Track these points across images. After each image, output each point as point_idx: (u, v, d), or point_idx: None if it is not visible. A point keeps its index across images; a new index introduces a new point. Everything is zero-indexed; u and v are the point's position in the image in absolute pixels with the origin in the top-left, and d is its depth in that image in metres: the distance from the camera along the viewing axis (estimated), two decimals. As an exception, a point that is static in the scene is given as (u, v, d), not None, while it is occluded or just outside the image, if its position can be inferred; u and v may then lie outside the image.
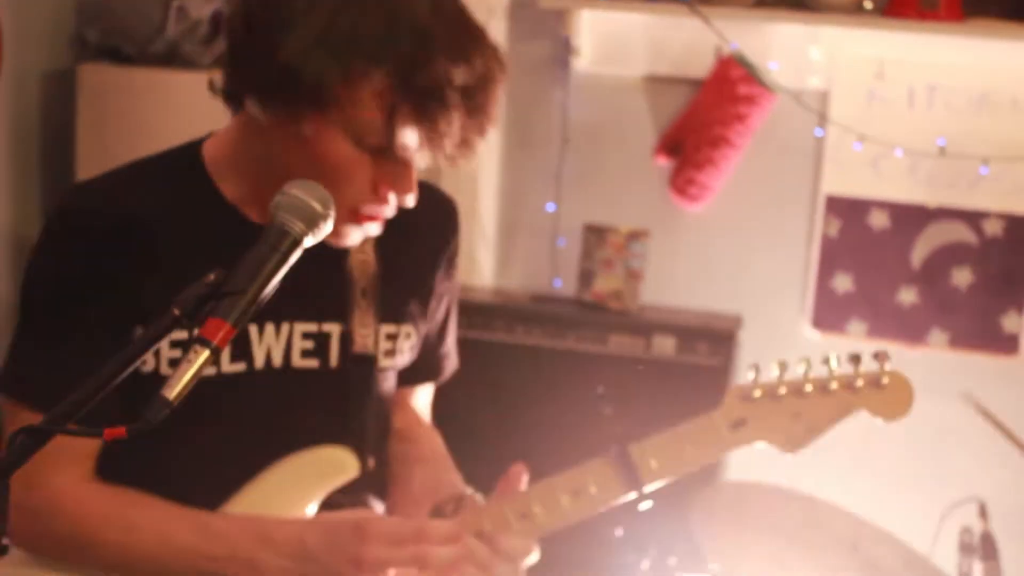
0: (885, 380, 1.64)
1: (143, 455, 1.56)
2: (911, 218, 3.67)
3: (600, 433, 1.73)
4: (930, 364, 3.61)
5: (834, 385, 1.61)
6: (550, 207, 3.82)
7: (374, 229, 1.56)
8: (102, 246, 1.50)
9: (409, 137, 1.44)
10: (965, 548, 2.86)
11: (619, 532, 2.55)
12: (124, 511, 1.56)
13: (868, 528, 2.66)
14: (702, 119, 3.66)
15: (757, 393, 1.59)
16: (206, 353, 1.21)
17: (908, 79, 3.60)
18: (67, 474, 1.55)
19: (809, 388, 1.60)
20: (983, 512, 2.91)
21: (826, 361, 1.60)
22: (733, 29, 3.59)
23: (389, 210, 1.53)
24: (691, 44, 3.71)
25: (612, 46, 3.79)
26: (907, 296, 3.66)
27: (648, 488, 1.59)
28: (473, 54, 1.43)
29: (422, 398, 1.90)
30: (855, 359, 1.62)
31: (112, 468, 1.59)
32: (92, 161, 3.19)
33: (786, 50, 3.65)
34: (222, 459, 1.59)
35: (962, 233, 3.65)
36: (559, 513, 1.59)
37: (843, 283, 3.73)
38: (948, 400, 3.66)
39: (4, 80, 2.76)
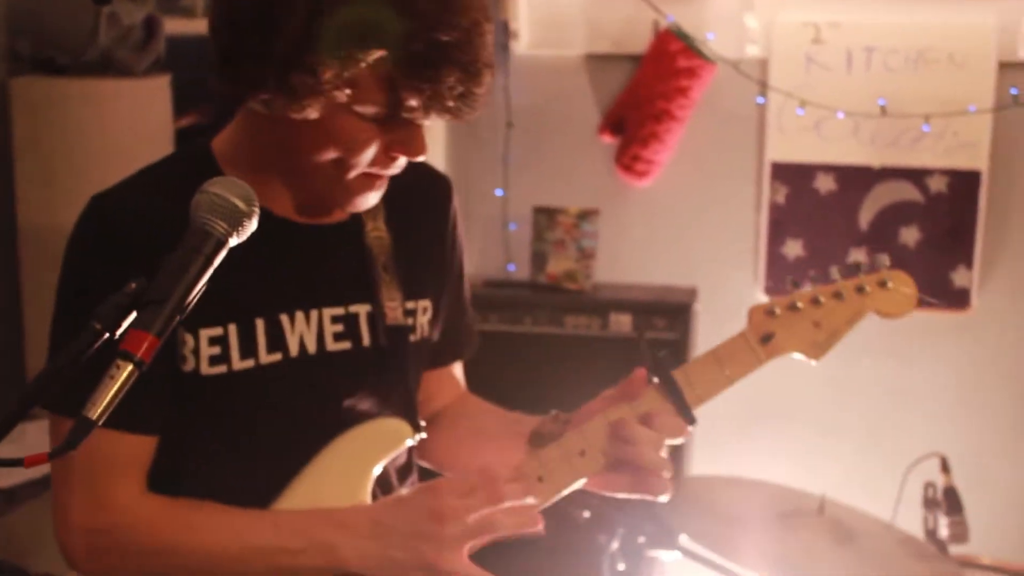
0: (888, 281, 1.68)
1: (192, 458, 1.54)
2: (857, 180, 3.61)
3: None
4: (883, 323, 3.55)
5: (844, 291, 1.66)
6: (498, 192, 3.74)
7: (377, 196, 1.54)
8: (126, 253, 1.46)
9: (412, 102, 1.41)
10: (929, 503, 2.83)
11: (586, 514, 2.49)
12: (196, 518, 1.51)
13: (831, 502, 2.63)
14: (644, 94, 3.59)
15: (777, 309, 1.65)
16: (129, 367, 1.12)
17: (845, 42, 3.54)
18: (128, 489, 1.50)
19: (822, 298, 1.66)
20: (945, 467, 2.88)
21: (831, 273, 1.68)
22: (669, 3, 3.53)
23: (400, 167, 1.51)
24: (628, 20, 3.64)
25: (550, 27, 3.70)
26: (857, 257, 3.60)
27: (695, 411, 1.61)
28: (457, 9, 1.40)
29: (459, 375, 1.88)
30: (856, 266, 1.68)
31: (162, 477, 1.54)
32: (32, 174, 3.09)
33: (722, 20, 3.58)
34: (272, 449, 1.56)
35: (908, 192, 3.60)
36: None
37: (793, 248, 3.67)
38: (904, 358, 3.63)
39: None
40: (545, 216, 3.57)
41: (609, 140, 3.70)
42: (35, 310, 3.13)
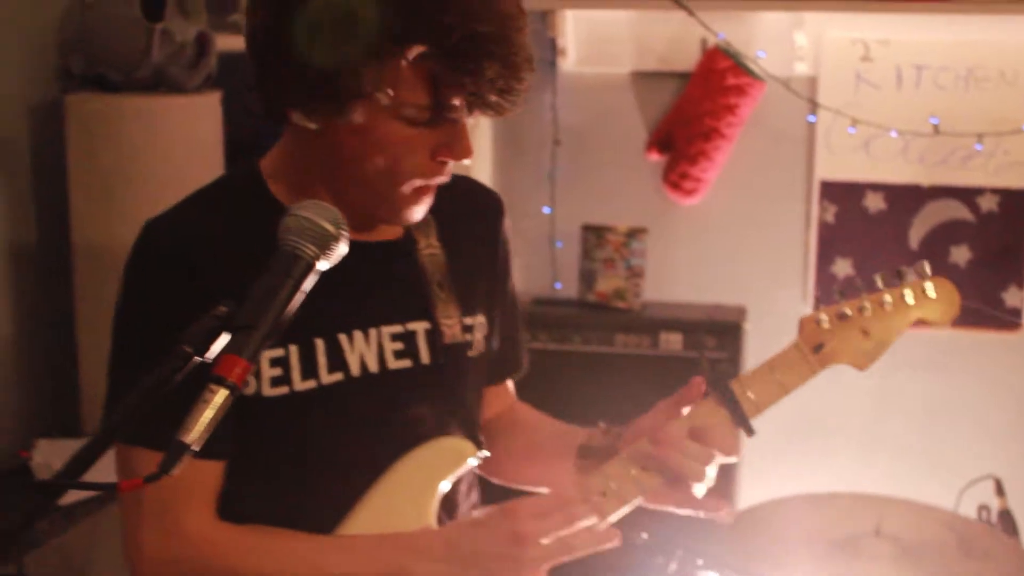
0: (931, 290, 1.70)
1: (255, 482, 1.52)
2: (906, 198, 3.58)
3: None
4: (935, 343, 3.53)
5: (890, 300, 1.67)
6: (546, 210, 3.73)
7: (425, 208, 1.53)
8: (183, 276, 1.46)
9: (454, 99, 1.40)
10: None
11: (644, 536, 2.46)
12: (266, 546, 1.50)
13: (889, 504, 2.60)
14: (692, 112, 3.57)
15: (824, 318, 1.66)
16: (224, 393, 1.11)
17: (895, 60, 3.51)
18: (199, 516, 1.49)
19: (869, 307, 1.67)
20: (1000, 489, 2.84)
21: (875, 283, 1.68)
22: (718, 20, 3.50)
23: (448, 175, 1.51)
24: (676, 38, 3.62)
25: (597, 45, 3.69)
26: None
27: (752, 421, 1.62)
28: (493, 3, 1.40)
29: (510, 387, 1.88)
30: (900, 275, 1.69)
31: (224, 502, 1.52)
32: (85, 189, 3.10)
33: (772, 38, 3.56)
34: (335, 469, 1.54)
35: (958, 211, 3.57)
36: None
37: (843, 267, 3.64)
38: (957, 378, 3.59)
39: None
40: (594, 234, 3.56)
41: (656, 158, 3.68)
42: (88, 324, 3.14)
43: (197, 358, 1.14)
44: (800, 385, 1.64)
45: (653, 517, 1.68)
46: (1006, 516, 2.83)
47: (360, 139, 1.43)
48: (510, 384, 1.87)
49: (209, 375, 1.12)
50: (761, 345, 3.54)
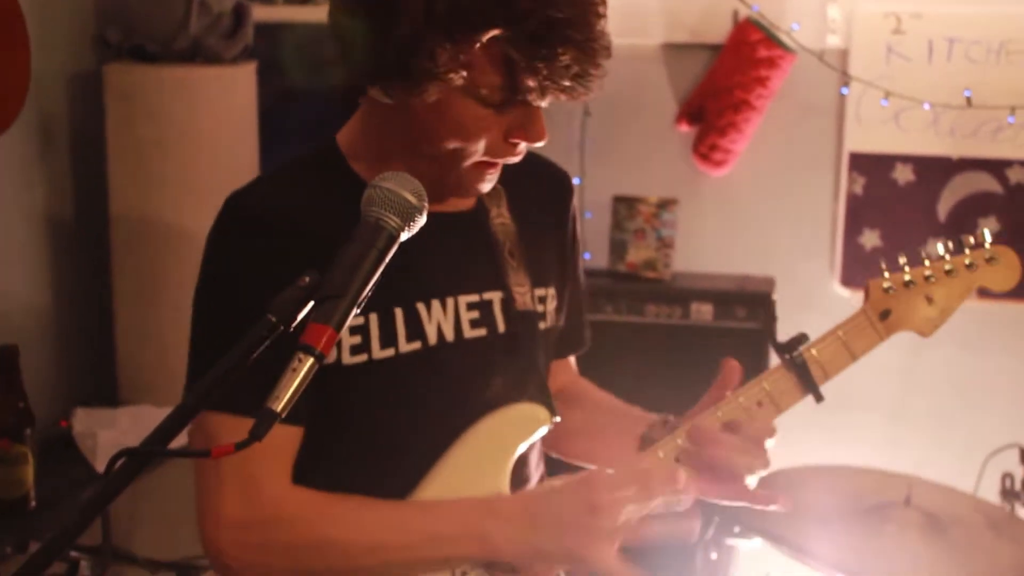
0: (995, 257, 1.72)
1: (331, 449, 1.53)
2: (935, 170, 3.58)
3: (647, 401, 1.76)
4: (963, 315, 3.52)
5: (954, 267, 1.69)
6: (576, 181, 3.73)
7: (492, 182, 1.54)
8: (266, 247, 1.46)
9: (529, 83, 1.39)
10: (1007, 493, 2.80)
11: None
12: (348, 509, 1.50)
13: (917, 481, 2.62)
14: (722, 84, 3.56)
15: (889, 284, 1.67)
16: (311, 361, 1.12)
17: (927, 33, 3.50)
18: (279, 481, 1.49)
19: (935, 274, 1.68)
20: (1024, 457, 2.85)
21: (937, 249, 1.71)
22: (748, -7, 3.49)
23: (520, 154, 1.50)
24: (708, 10, 3.61)
25: (628, 16, 3.68)
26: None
27: (821, 388, 1.63)
28: None
29: (572, 362, 1.88)
30: (961, 243, 1.71)
31: (299, 469, 1.52)
32: (123, 159, 3.11)
33: (804, 10, 3.55)
34: (411, 437, 1.55)
35: (987, 183, 3.56)
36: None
37: (871, 239, 3.64)
38: (985, 349, 3.60)
39: (32, 83, 2.66)
40: (625, 205, 3.56)
41: (686, 129, 3.68)
42: (124, 294, 3.15)
43: (283, 327, 1.15)
44: (867, 351, 1.65)
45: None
46: (1029, 484, 2.84)
47: (435, 116, 1.43)
48: (572, 360, 1.88)
49: (297, 344, 1.13)
50: (789, 315, 3.54)
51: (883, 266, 1.69)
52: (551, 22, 1.35)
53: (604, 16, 1.42)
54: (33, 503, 2.46)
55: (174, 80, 3.08)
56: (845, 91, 3.55)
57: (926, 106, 3.46)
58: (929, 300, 1.68)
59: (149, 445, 1.13)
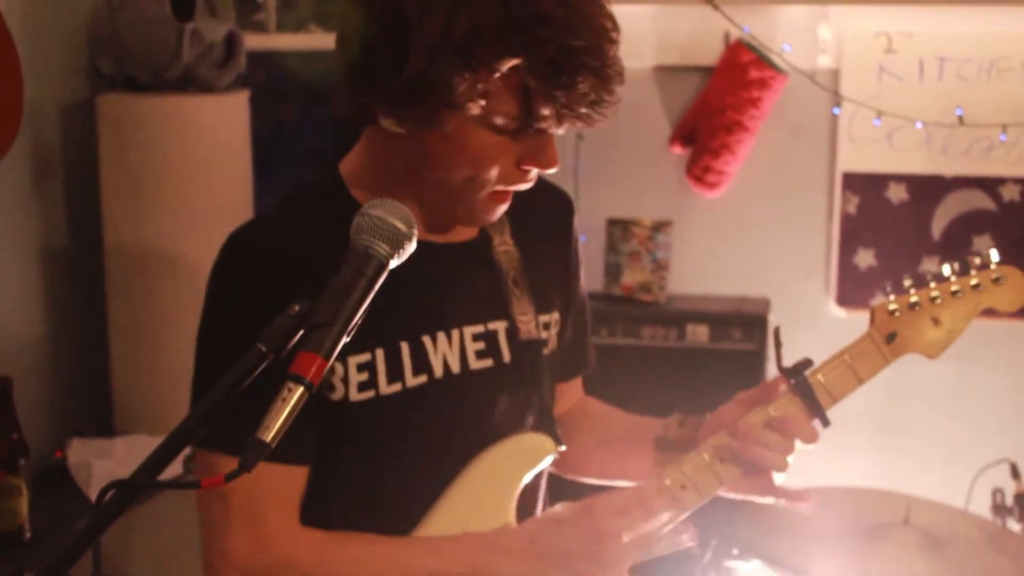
0: (1000, 277, 1.70)
1: (337, 486, 1.51)
2: (929, 189, 3.58)
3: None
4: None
5: (960, 289, 1.67)
6: (570, 203, 3.73)
7: (502, 210, 1.52)
8: (269, 285, 1.43)
9: (545, 111, 1.38)
10: (998, 509, 2.79)
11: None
12: (354, 550, 1.49)
13: (915, 501, 2.61)
14: (715, 106, 3.57)
15: (894, 307, 1.65)
16: (300, 390, 1.11)
17: (918, 52, 3.51)
18: (287, 523, 1.48)
19: (941, 296, 1.66)
20: (1015, 473, 2.84)
21: (943, 271, 1.69)
22: (740, 14, 3.50)
23: (531, 181, 1.49)
24: (699, 32, 3.62)
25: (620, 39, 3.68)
26: (930, 267, 3.57)
27: (827, 412, 1.63)
28: (588, 15, 1.37)
29: (578, 384, 1.87)
30: (967, 264, 1.69)
31: (306, 508, 1.51)
32: (117, 189, 3.11)
33: (795, 31, 3.55)
34: (418, 470, 1.54)
35: (981, 200, 3.56)
36: None
37: (865, 258, 3.64)
38: (970, 364, 3.59)
39: (26, 114, 2.66)
40: (619, 228, 3.56)
41: (680, 151, 3.68)
42: (120, 323, 3.15)
43: (273, 356, 1.14)
44: (873, 375, 1.64)
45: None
46: (1021, 499, 2.83)
47: (447, 145, 1.41)
48: (579, 381, 1.87)
49: (286, 373, 1.12)
50: (785, 336, 3.53)
51: (888, 289, 1.67)
52: (569, 50, 1.34)
53: (617, 42, 1.40)
54: (28, 534, 2.45)
55: (166, 109, 3.08)
56: (837, 111, 3.56)
57: (918, 125, 3.47)
58: (936, 322, 1.67)
59: (139, 477, 1.12)
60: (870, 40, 3.52)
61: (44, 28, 3.08)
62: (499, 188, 1.46)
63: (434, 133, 1.40)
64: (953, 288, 1.66)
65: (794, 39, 3.54)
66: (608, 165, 3.74)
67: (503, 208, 1.51)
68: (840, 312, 3.65)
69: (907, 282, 1.66)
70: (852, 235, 3.64)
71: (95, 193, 3.11)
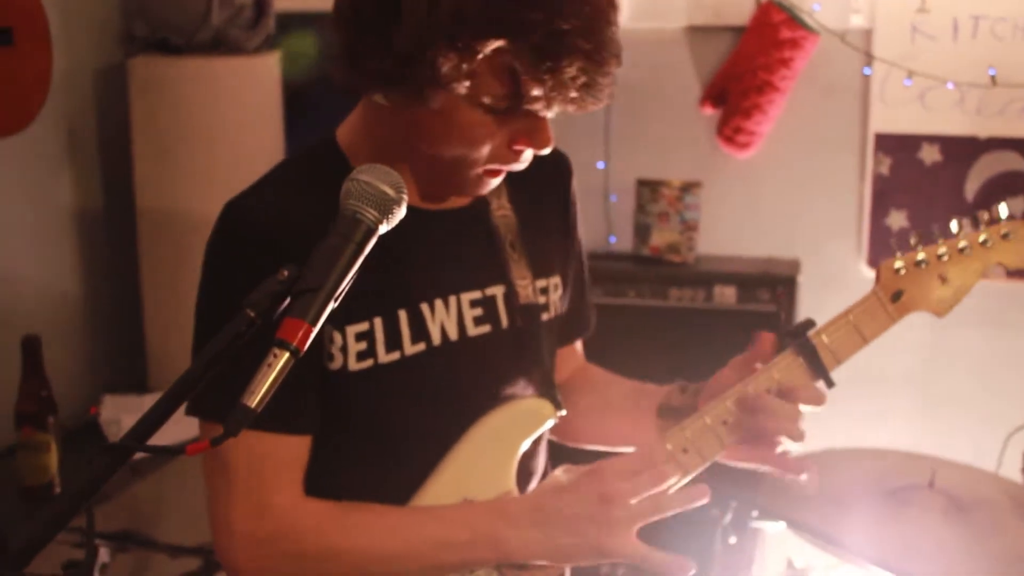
0: (1011, 232, 1.66)
1: (338, 455, 1.50)
2: (962, 150, 3.50)
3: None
4: (989, 294, 3.46)
5: (968, 245, 1.63)
6: (600, 164, 3.70)
7: (496, 183, 1.50)
8: (267, 254, 1.38)
9: (534, 94, 1.34)
10: (1028, 471, 2.76)
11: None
12: (359, 519, 1.48)
13: (941, 463, 2.57)
14: (746, 66, 3.51)
15: (900, 265, 1.61)
16: (286, 356, 1.10)
17: (951, 11, 3.43)
18: (290, 493, 1.47)
19: (947, 253, 1.62)
20: (1047, 436, 2.81)
21: (951, 227, 1.65)
22: (772, -26, 3.43)
23: (525, 162, 1.46)
24: (730, -8, 3.56)
25: (651, 0, 3.63)
26: (962, 228, 3.51)
27: (832, 372, 1.59)
28: None
29: (579, 349, 1.85)
30: (976, 220, 1.65)
31: (312, 476, 1.50)
32: (149, 151, 3.11)
33: (827, -10, 3.48)
34: (418, 438, 1.52)
35: (1014, 162, 3.48)
36: None
37: (897, 220, 3.58)
38: (1008, 328, 3.53)
39: (58, 78, 2.67)
40: (648, 189, 3.52)
41: (710, 112, 3.63)
42: (152, 283, 3.16)
43: (261, 321, 1.13)
44: (879, 335, 1.60)
45: (706, 470, 1.63)
46: (1052, 462, 2.79)
47: (438, 122, 1.38)
48: (579, 345, 1.85)
49: (272, 339, 1.11)
50: (815, 298, 3.50)
51: (894, 247, 1.64)
52: (556, 33, 1.30)
53: (615, 23, 1.36)
54: (58, 489, 2.48)
55: (197, 71, 3.08)
56: (868, 71, 3.49)
57: (949, 86, 3.39)
58: (943, 280, 1.62)
59: (131, 439, 1.12)
60: (903, -1, 3.45)
61: (78, -8, 3.09)
62: (491, 167, 1.44)
63: (424, 109, 1.37)
64: (960, 244, 1.62)
65: (825, -1, 3.48)
66: (638, 125, 3.69)
67: (496, 182, 1.48)
68: (871, 273, 3.59)
69: (913, 239, 1.62)
70: (884, 196, 3.58)
71: (127, 156, 3.11)
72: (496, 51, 1.31)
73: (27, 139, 2.72)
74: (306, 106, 3.54)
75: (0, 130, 2.59)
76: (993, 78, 3.36)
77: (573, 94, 1.34)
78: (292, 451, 1.45)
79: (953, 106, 3.47)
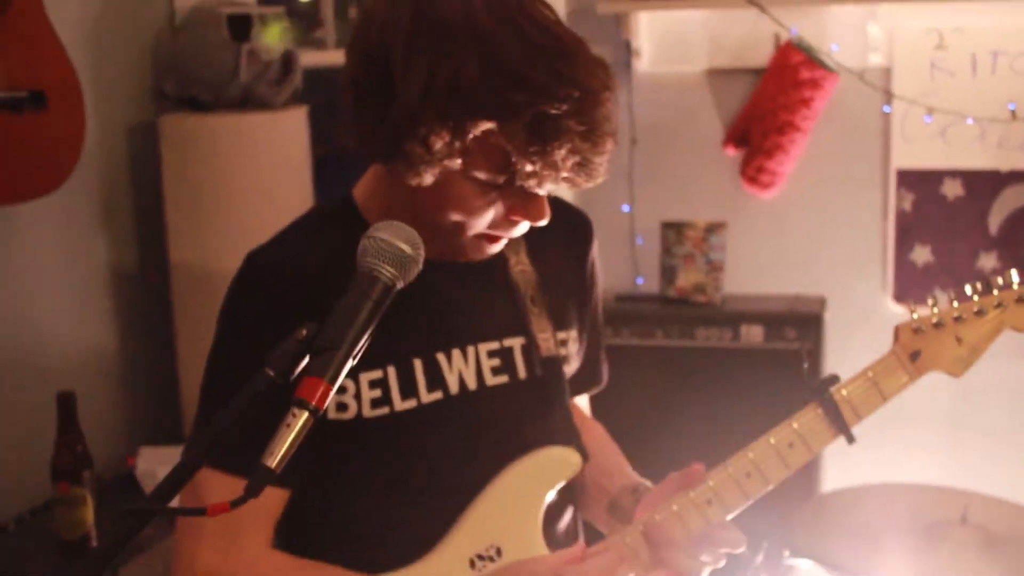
0: (1023, 296, 1.66)
1: (353, 505, 1.50)
2: (984, 184, 3.48)
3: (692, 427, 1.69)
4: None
5: (985, 308, 1.64)
6: (625, 208, 3.69)
7: (498, 248, 1.50)
8: (283, 307, 1.42)
9: (527, 171, 1.35)
10: (1062, 507, 2.71)
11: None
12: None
13: (974, 497, 2.54)
14: (767, 107, 3.51)
15: (923, 327, 1.63)
16: (305, 415, 1.09)
17: (969, 47, 3.42)
18: (258, 542, 1.47)
19: (965, 316, 1.64)
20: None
21: (967, 290, 1.66)
22: (790, 15, 3.43)
23: (523, 229, 1.46)
24: (749, 34, 3.56)
25: (671, 44, 3.64)
26: (987, 262, 3.48)
27: (852, 429, 1.59)
28: (574, 79, 1.33)
29: (584, 402, 1.85)
30: (989, 284, 1.66)
31: (319, 527, 1.51)
32: (180, 205, 3.13)
33: (845, 30, 3.48)
34: (437, 488, 1.52)
35: (1038, 195, 3.46)
36: (775, 471, 1.55)
37: (922, 255, 3.55)
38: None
39: (91, 137, 2.69)
40: (673, 231, 3.51)
41: (733, 153, 3.63)
42: (187, 336, 3.17)
43: (280, 381, 1.12)
44: (898, 393, 1.61)
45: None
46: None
47: (434, 192, 1.39)
48: (585, 399, 1.83)
49: (291, 398, 1.10)
50: (842, 335, 3.47)
51: (911, 308, 1.65)
52: (545, 117, 1.30)
53: (609, 102, 1.36)
54: (94, 542, 2.47)
55: (226, 127, 3.10)
56: (888, 109, 3.47)
57: (969, 121, 3.37)
58: (959, 340, 1.63)
59: (150, 502, 1.12)
60: (921, 37, 3.44)
61: (111, 52, 3.12)
62: (492, 232, 1.44)
63: (418, 184, 1.37)
64: (976, 308, 1.63)
65: (843, 38, 3.47)
66: (662, 168, 3.70)
67: (496, 248, 1.48)
68: (898, 309, 3.57)
69: (930, 301, 1.64)
70: (908, 232, 3.56)
71: (160, 212, 3.14)
72: (487, 131, 1.32)
73: (62, 198, 2.74)
74: (337, 159, 3.57)
75: (36, 190, 2.62)
76: (1013, 112, 3.34)
77: (566, 173, 1.35)
78: (270, 502, 1.44)
79: (974, 141, 3.45)
